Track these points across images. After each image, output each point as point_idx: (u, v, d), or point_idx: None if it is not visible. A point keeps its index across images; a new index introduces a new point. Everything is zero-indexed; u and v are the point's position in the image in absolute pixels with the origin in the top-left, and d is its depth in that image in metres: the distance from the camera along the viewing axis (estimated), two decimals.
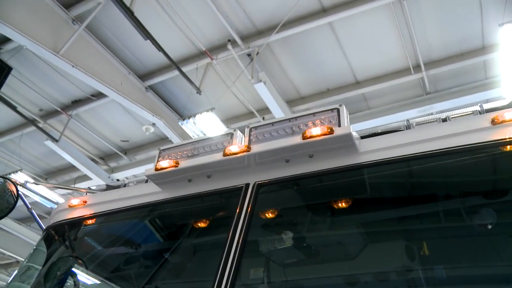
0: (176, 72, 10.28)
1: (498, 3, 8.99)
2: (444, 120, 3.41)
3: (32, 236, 14.94)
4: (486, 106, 3.43)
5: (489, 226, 2.96)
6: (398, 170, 2.99)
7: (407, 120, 3.53)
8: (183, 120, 10.71)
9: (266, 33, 9.85)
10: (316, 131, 2.92)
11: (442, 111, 11.25)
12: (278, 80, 11.09)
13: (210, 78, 10.71)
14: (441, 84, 11.16)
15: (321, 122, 3.04)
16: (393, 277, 2.92)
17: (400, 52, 10.33)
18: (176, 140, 11.75)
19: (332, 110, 3.07)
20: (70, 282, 4.00)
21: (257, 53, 9.90)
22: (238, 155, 3.14)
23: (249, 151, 3.12)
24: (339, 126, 2.99)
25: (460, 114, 3.48)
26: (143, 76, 11.17)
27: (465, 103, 10.73)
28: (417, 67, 10.60)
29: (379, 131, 3.52)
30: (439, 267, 2.94)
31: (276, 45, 10.23)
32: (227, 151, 3.18)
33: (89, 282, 4.23)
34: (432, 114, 11.43)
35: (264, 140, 3.21)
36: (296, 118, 3.19)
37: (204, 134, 10.82)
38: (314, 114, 3.12)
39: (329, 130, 2.89)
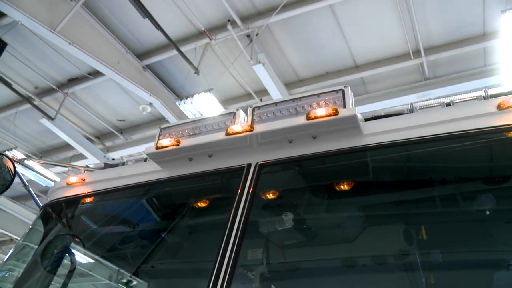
0: (174, 52, 10.17)
1: None
2: (448, 104, 3.39)
3: (27, 215, 14.88)
4: (490, 91, 3.41)
5: (488, 212, 2.96)
6: (402, 153, 2.98)
7: (411, 104, 3.51)
8: (181, 100, 10.63)
9: (266, 14, 9.75)
10: (320, 112, 2.88)
11: (440, 97, 11.26)
12: (277, 62, 11.00)
13: (208, 59, 10.60)
14: (440, 70, 11.12)
15: (325, 103, 3.01)
16: (395, 260, 2.92)
17: (400, 37, 10.25)
18: (173, 120, 11.67)
19: (337, 91, 3.04)
20: (66, 260, 3.98)
21: (257, 34, 9.80)
22: (241, 134, 3.11)
23: (252, 130, 3.08)
24: (344, 107, 2.96)
25: (464, 99, 3.46)
26: (140, 55, 11.05)
27: (463, 89, 10.69)
28: (416, 52, 10.54)
29: (382, 114, 3.50)
30: (442, 250, 2.95)
31: (275, 26, 10.13)
32: (229, 130, 3.14)
33: (86, 261, 4.22)
34: (430, 99, 11.40)
35: (267, 120, 3.17)
36: (300, 98, 3.15)
37: (202, 115, 10.74)
38: (318, 95, 3.08)
39: (334, 111, 2.86)
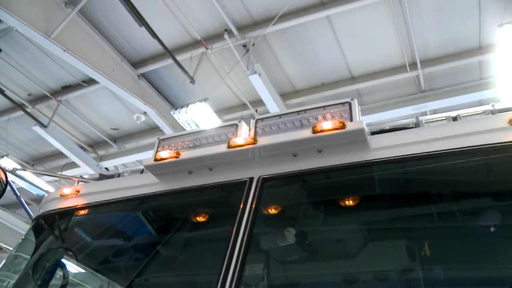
0: (170, 61, 10.08)
1: (497, 4, 8.93)
2: (455, 118, 3.33)
3: (17, 223, 14.61)
4: (498, 106, 3.35)
5: (493, 229, 2.90)
6: (410, 168, 2.89)
7: (416, 117, 3.44)
8: (176, 109, 10.52)
9: (263, 24, 9.70)
10: (327, 125, 2.79)
11: (436, 110, 11.28)
12: (273, 73, 10.95)
13: (204, 68, 10.52)
14: (436, 82, 11.13)
15: (331, 115, 2.92)
16: (406, 275, 2.83)
17: (396, 49, 10.25)
18: (167, 130, 11.55)
19: (343, 103, 2.96)
20: (59, 275, 3.85)
21: (253, 44, 9.74)
22: (244, 147, 3.01)
23: (255, 143, 2.99)
24: (351, 120, 2.87)
25: (471, 113, 3.40)
26: (136, 64, 10.95)
27: (459, 102, 10.72)
28: (413, 65, 10.54)
29: (387, 127, 3.43)
30: (446, 267, 2.87)
31: (272, 37, 10.08)
32: (232, 143, 3.05)
33: (80, 277, 4.08)
34: (426, 112, 11.44)
35: (270, 132, 3.08)
36: (305, 110, 3.06)
37: (197, 125, 10.66)
38: (324, 107, 3.00)
39: (341, 124, 2.78)
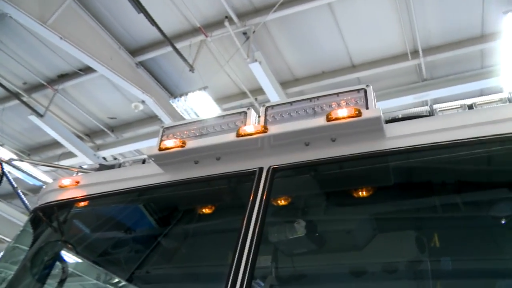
0: (168, 49, 9.91)
1: None
2: (470, 107, 3.21)
3: (13, 214, 14.46)
4: None
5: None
6: (427, 158, 2.77)
7: (430, 105, 3.32)
8: (175, 98, 10.35)
9: (263, 11, 9.52)
10: (342, 112, 2.66)
11: (438, 99, 11.18)
12: (273, 61, 10.79)
13: (203, 56, 10.34)
14: (438, 71, 11.01)
15: (346, 103, 2.78)
16: (423, 266, 2.75)
17: (398, 37, 10.11)
18: (166, 119, 11.39)
19: (358, 90, 2.83)
20: (58, 269, 3.73)
21: (253, 32, 9.57)
22: (254, 136, 2.87)
23: (266, 132, 2.85)
24: (367, 108, 2.74)
25: (486, 101, 3.29)
26: (134, 52, 10.75)
27: (461, 91, 10.63)
28: (414, 53, 10.40)
29: (400, 115, 3.31)
30: (463, 258, 2.80)
31: (272, 24, 9.91)
32: (241, 132, 2.90)
33: (80, 271, 3.96)
34: (427, 101, 11.34)
35: (281, 120, 2.94)
36: (318, 97, 2.92)
37: (196, 114, 10.51)
38: (338, 94, 2.86)
39: (357, 112, 2.65)
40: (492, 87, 10.47)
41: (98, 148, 13.65)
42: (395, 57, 10.67)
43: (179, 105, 10.53)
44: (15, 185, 4.18)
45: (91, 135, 13.85)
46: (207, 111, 10.43)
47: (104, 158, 12.98)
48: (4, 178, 3.86)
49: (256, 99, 11.65)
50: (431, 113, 3.26)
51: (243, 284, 2.36)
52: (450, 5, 9.24)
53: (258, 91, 11.32)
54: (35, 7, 8.44)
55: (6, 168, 4.05)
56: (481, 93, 10.89)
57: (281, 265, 3.07)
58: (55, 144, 13.42)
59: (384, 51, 10.59)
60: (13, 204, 15.12)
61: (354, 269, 3.08)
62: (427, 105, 10.93)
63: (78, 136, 13.39)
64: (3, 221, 14.43)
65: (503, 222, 2.86)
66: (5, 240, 13.31)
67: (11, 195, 15.08)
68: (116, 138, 13.61)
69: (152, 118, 12.70)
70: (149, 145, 3.83)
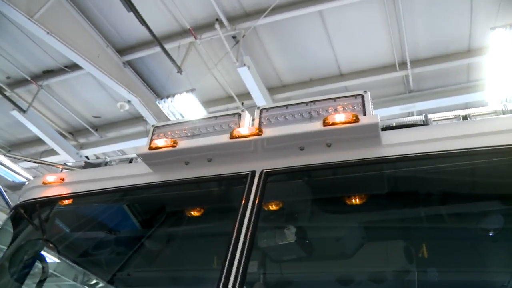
0: (157, 49, 9.81)
1: (489, 7, 8.93)
2: (465, 118, 3.21)
3: None
4: (510, 106, 3.25)
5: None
6: (423, 167, 2.74)
7: (425, 115, 3.32)
8: (161, 99, 10.24)
9: (254, 16, 9.48)
10: (339, 117, 2.62)
11: (423, 110, 11.28)
12: (261, 66, 10.75)
13: (191, 59, 10.26)
14: (424, 83, 11.11)
15: (343, 108, 2.75)
16: (411, 276, 2.72)
17: (387, 48, 10.17)
18: (151, 119, 11.27)
19: (355, 96, 2.79)
20: (38, 269, 3.61)
21: (243, 36, 9.53)
22: (248, 138, 2.81)
23: (260, 134, 2.80)
24: (364, 114, 2.71)
25: (480, 113, 3.30)
26: (121, 51, 10.61)
27: (447, 104, 10.73)
28: (402, 64, 10.48)
29: (394, 124, 3.29)
30: (456, 269, 2.79)
31: (262, 29, 9.89)
32: (235, 133, 2.84)
33: (59, 269, 3.85)
34: (413, 112, 11.43)
35: (276, 123, 2.90)
36: (314, 102, 2.88)
37: (182, 116, 10.41)
38: (335, 99, 2.83)
39: (354, 117, 2.61)
40: (477, 101, 10.60)
41: (81, 146, 13.45)
42: (383, 67, 10.74)
43: (165, 106, 10.42)
44: None
45: (75, 133, 13.62)
46: (194, 113, 10.34)
47: (86, 157, 12.78)
48: None
49: (242, 103, 11.60)
50: (425, 123, 3.25)
51: None
52: (439, 19, 9.34)
53: (245, 95, 11.27)
54: (22, 0, 8.27)
55: None
56: (466, 106, 10.99)
57: (269, 271, 3.01)
58: (37, 141, 13.16)
59: (372, 61, 10.64)
60: None
61: (342, 277, 3.05)
62: (413, 115, 11.07)
63: (61, 134, 13.16)
64: None
65: (490, 234, 2.86)
66: None
67: None
68: (100, 137, 13.41)
69: (137, 118, 12.55)
70: (133, 146, 3.74)
